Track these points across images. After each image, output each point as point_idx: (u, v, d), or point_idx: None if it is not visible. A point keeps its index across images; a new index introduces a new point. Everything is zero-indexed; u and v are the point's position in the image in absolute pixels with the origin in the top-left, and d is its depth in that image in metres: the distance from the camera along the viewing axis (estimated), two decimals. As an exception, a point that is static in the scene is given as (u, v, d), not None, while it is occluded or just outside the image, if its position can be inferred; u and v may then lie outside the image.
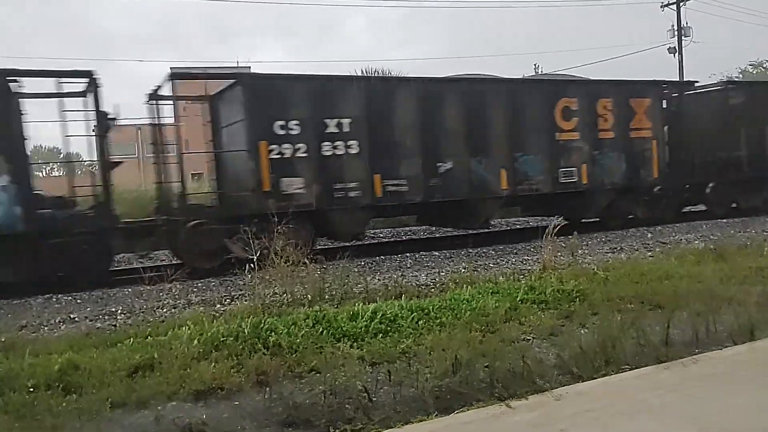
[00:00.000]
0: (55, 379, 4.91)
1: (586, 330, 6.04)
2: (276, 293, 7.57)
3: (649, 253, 11.04)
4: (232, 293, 9.21)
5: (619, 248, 12.15)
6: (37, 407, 4.48)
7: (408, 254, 12.57)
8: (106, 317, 8.04)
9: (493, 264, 10.94)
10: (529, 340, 5.96)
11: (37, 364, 5.18)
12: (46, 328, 7.56)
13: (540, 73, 35.14)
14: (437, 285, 8.82)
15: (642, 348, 5.41)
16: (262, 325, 6.01)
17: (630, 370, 5.01)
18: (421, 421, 4.22)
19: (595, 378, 4.87)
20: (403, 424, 4.17)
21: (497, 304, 6.78)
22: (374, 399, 4.60)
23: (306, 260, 7.59)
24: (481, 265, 10.82)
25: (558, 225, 9.04)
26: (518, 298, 7.08)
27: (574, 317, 6.59)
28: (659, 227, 15.28)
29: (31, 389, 4.72)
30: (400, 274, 10.18)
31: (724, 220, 16.20)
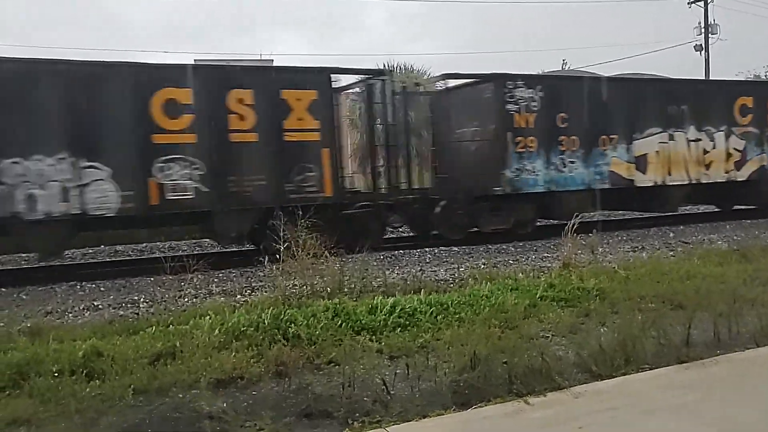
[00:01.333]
0: (79, 364, 4.99)
1: (605, 328, 6.01)
2: (296, 285, 7.63)
3: (671, 253, 10.94)
4: (253, 284, 9.30)
5: (640, 247, 12.06)
6: (61, 392, 4.57)
7: (427, 249, 12.57)
8: (129, 305, 8.16)
9: (513, 261, 10.91)
10: (548, 337, 5.95)
11: (61, 349, 5.27)
12: (70, 315, 7.69)
13: (568, 68, 34.72)
14: (456, 280, 8.83)
15: (662, 348, 5.37)
16: (282, 316, 6.06)
17: (650, 369, 4.98)
18: (439, 415, 4.24)
19: (615, 377, 4.85)
20: (421, 418, 4.19)
21: (516, 301, 6.77)
22: (392, 392, 4.62)
23: (327, 253, 7.63)
24: (500, 261, 10.80)
25: (577, 223, 9.00)
26: (538, 295, 7.06)
27: (594, 315, 6.56)
28: (681, 227, 15.12)
29: (56, 374, 4.81)
30: (419, 268, 10.20)
31: (749, 221, 15.94)
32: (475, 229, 13.90)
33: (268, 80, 11.93)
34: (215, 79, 11.63)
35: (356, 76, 13.81)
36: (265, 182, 11.65)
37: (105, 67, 11.07)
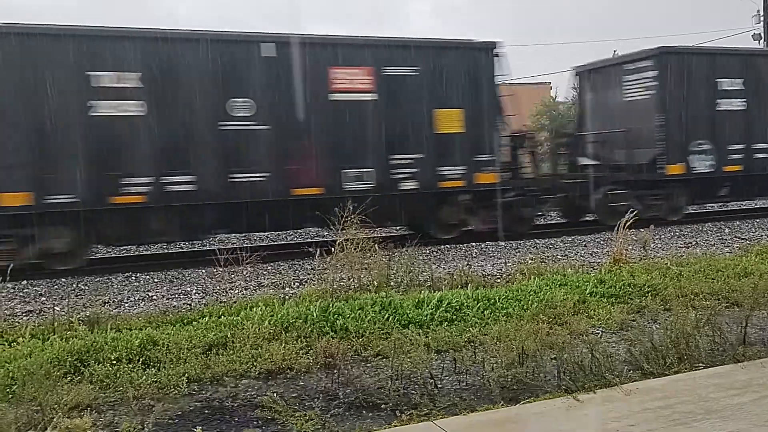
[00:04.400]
0: (136, 353, 5.16)
1: (657, 326, 5.90)
2: (343, 278, 7.71)
3: (727, 249, 10.63)
4: (301, 277, 9.42)
5: (693, 243, 11.74)
6: (119, 379, 4.74)
7: (474, 244, 12.52)
8: (182, 296, 8.38)
9: (561, 256, 10.77)
10: (598, 333, 5.87)
11: (119, 338, 5.45)
12: (126, 305, 7.95)
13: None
14: (503, 275, 8.77)
15: (717, 346, 5.25)
16: (330, 308, 6.15)
17: (705, 368, 4.87)
18: (487, 409, 4.24)
19: (667, 375, 4.76)
20: (469, 412, 4.20)
21: (565, 297, 6.69)
22: (440, 386, 4.64)
23: (376, 246, 7.68)
24: (548, 256, 10.67)
25: (630, 218, 8.82)
26: (587, 291, 6.96)
27: (646, 312, 6.44)
28: (737, 222, 14.65)
29: (115, 362, 4.98)
30: (465, 263, 10.16)
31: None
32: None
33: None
34: None
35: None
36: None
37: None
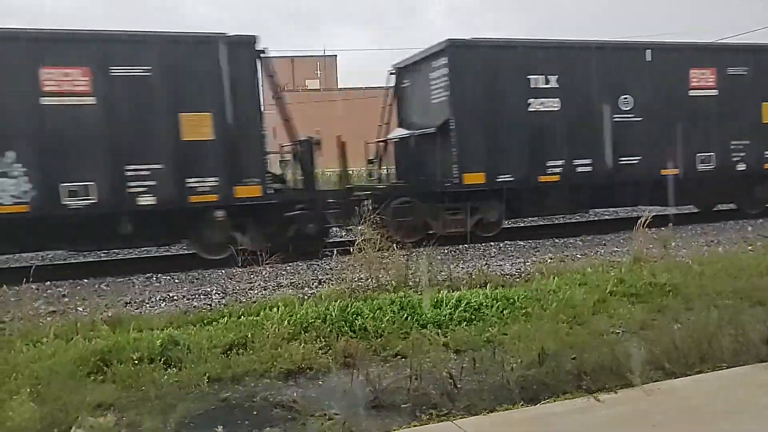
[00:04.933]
0: (157, 353, 5.22)
1: (679, 325, 5.82)
2: (361, 278, 7.72)
3: (750, 247, 10.46)
4: (320, 277, 9.45)
5: (715, 241, 11.59)
6: (141, 378, 4.80)
7: (492, 243, 12.47)
8: (202, 297, 8.45)
9: (581, 255, 10.69)
10: (619, 333, 5.81)
11: (140, 338, 5.52)
12: (147, 306, 8.03)
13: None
14: (523, 275, 8.73)
15: (741, 346, 5.16)
16: (348, 308, 6.17)
17: (727, 368, 4.81)
18: (507, 409, 4.23)
19: (690, 374, 4.70)
20: (488, 412, 4.19)
21: (585, 296, 6.65)
22: (459, 386, 4.63)
23: (393, 246, 7.69)
24: (567, 255, 10.60)
25: (650, 216, 8.74)
26: (607, 290, 6.91)
27: (667, 311, 6.36)
28: (761, 220, 14.45)
29: (137, 362, 5.04)
30: (484, 263, 10.14)
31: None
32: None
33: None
34: None
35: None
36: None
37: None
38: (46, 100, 10.05)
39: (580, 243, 12.35)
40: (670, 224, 10.07)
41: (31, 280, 7.46)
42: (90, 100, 10.23)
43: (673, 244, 10.15)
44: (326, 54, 53.18)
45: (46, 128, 10.06)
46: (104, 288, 9.50)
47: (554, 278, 7.50)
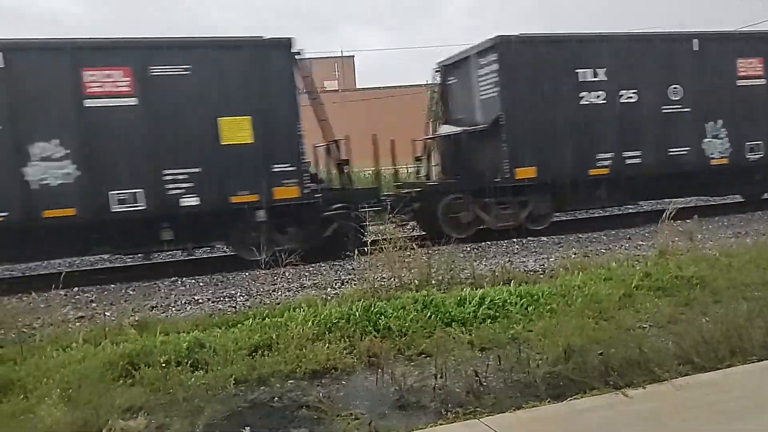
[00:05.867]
0: (184, 355, 5.27)
1: (707, 318, 5.73)
2: (384, 278, 7.73)
3: (779, 238, 10.28)
4: (342, 277, 9.47)
5: (743, 233, 11.40)
6: (169, 381, 4.85)
7: (515, 240, 12.40)
8: (227, 299, 8.51)
9: (605, 249, 10.58)
10: (646, 327, 5.75)
11: (167, 341, 5.57)
12: (173, 309, 8.11)
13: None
14: (546, 271, 8.66)
15: (772, 338, 5.08)
16: (372, 308, 6.17)
17: (758, 361, 4.72)
18: (533, 407, 4.20)
19: (719, 368, 4.63)
20: (515, 410, 4.17)
21: (611, 291, 6.58)
22: (485, 383, 4.61)
23: (414, 245, 7.68)
24: (592, 250, 10.50)
25: (675, 209, 8.63)
26: (633, 285, 6.83)
27: (695, 305, 6.27)
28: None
29: (164, 365, 5.10)
30: (507, 259, 10.08)
31: None
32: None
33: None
34: None
35: None
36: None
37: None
38: (741, 82, 14.15)
39: (605, 237, 12.23)
40: (696, 216, 9.92)
41: (60, 286, 7.57)
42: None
43: (699, 236, 10.02)
44: (344, 54, 53.26)
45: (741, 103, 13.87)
46: (131, 292, 9.62)
47: (579, 274, 7.44)
